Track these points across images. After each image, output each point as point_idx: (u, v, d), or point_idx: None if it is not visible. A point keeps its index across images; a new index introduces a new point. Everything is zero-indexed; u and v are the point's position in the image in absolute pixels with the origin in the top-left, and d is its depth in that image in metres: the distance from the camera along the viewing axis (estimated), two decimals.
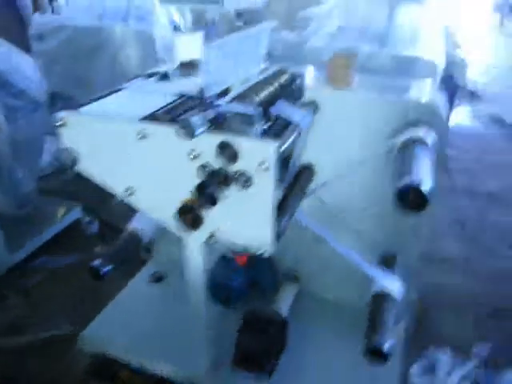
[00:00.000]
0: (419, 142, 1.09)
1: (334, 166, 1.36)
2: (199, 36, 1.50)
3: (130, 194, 1.07)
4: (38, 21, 3.07)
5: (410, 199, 0.90)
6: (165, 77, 1.33)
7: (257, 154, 0.90)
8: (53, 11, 3.97)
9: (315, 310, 1.55)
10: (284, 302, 1.50)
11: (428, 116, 1.18)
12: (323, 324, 1.51)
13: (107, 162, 1.06)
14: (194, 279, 1.13)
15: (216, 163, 0.94)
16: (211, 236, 1.02)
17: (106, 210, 2.51)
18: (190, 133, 0.86)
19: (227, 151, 0.91)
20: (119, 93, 1.23)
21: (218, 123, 0.92)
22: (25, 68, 2.00)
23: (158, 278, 1.67)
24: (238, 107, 0.94)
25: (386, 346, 1.07)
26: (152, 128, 0.97)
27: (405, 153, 1.07)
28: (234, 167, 0.93)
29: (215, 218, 1.00)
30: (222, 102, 0.98)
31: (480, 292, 2.07)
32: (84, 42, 2.92)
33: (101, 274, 1.28)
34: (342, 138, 1.32)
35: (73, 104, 1.09)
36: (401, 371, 1.40)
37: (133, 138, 0.99)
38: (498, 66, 6.05)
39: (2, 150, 1.78)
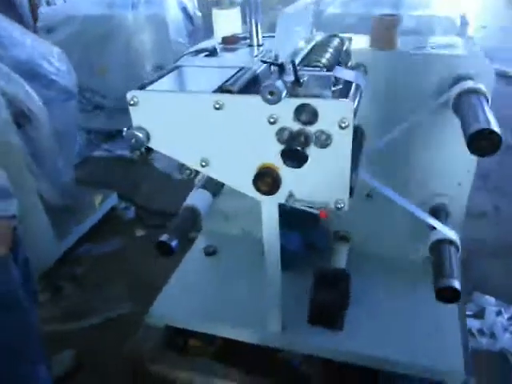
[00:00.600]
0: (476, 92, 1.14)
1: (382, 126, 1.41)
2: (237, 11, 1.54)
3: (205, 165, 1.12)
4: (46, 13, 3.06)
5: (483, 143, 0.96)
6: (213, 52, 1.36)
7: (336, 113, 0.95)
8: (48, 3, 3.94)
9: (368, 266, 1.61)
10: (340, 261, 1.57)
11: (478, 68, 1.23)
12: (378, 277, 1.57)
13: (181, 136, 1.10)
14: (271, 241, 1.19)
15: (294, 126, 0.99)
16: (290, 196, 1.08)
17: (140, 195, 2.56)
18: (277, 98, 0.90)
19: (307, 113, 0.96)
20: (175, 71, 1.26)
21: (296, 87, 0.96)
22: (53, 58, 2.02)
23: (212, 252, 1.73)
24: (314, 70, 0.99)
25: (458, 284, 1.14)
26: (229, 98, 1.02)
27: (464, 103, 1.12)
28: (313, 128, 0.98)
29: (293, 178, 1.05)
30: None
31: None
32: (95, 31, 2.92)
33: (171, 248, 1.34)
34: (390, 97, 1.37)
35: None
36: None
37: (209, 110, 1.03)
38: (487, 26, 6.08)
39: (46, 141, 1.82)
